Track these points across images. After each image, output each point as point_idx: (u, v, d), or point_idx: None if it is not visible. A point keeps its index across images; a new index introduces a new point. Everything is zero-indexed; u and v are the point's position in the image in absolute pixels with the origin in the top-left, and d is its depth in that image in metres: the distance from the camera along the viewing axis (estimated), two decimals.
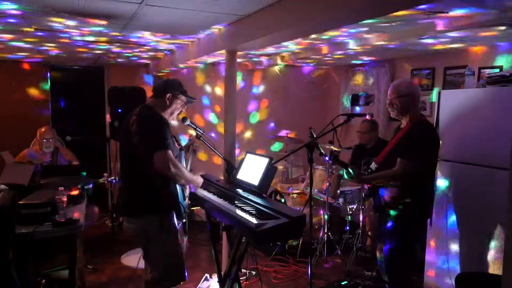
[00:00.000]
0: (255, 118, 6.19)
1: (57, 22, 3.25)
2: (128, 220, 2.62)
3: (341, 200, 4.29)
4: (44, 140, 4.25)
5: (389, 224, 2.86)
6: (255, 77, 6.16)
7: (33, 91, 5.83)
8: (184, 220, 2.69)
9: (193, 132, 3.44)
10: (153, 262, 2.56)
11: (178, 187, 2.54)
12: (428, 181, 2.89)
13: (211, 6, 2.76)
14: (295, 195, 4.71)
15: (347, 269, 4.00)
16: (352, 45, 3.93)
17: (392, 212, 2.83)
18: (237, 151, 4.07)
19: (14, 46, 4.40)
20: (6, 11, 2.88)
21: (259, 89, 6.20)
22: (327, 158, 3.97)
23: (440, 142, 2.89)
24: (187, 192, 2.70)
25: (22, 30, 3.50)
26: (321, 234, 4.37)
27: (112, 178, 4.78)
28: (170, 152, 2.39)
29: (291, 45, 4.23)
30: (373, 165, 2.93)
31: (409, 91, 2.80)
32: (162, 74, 5.89)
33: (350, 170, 2.88)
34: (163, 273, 2.52)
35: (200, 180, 2.72)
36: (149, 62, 5.95)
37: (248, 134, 6.15)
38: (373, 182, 2.99)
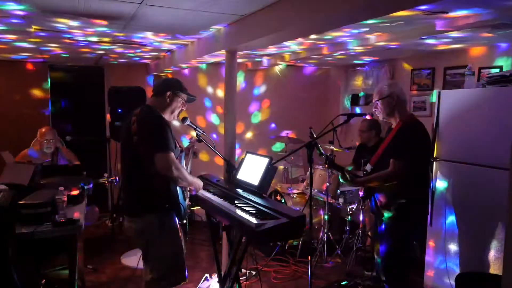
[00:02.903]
0: (256, 118, 6.19)
1: (59, 23, 3.25)
2: (129, 220, 2.60)
3: (341, 200, 4.29)
4: (45, 141, 4.24)
5: (385, 225, 2.86)
6: (256, 77, 6.16)
7: (33, 91, 5.82)
8: (184, 221, 2.69)
9: (193, 133, 3.44)
10: (153, 262, 2.55)
11: (178, 188, 2.54)
12: (422, 181, 2.89)
13: (211, 6, 2.76)
14: (295, 195, 4.71)
15: (347, 269, 4.00)
16: (353, 45, 3.93)
17: (387, 214, 2.83)
18: (238, 151, 4.05)
19: (15, 46, 4.39)
20: (10, 11, 2.88)
21: (260, 89, 6.20)
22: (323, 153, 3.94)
23: (437, 141, 2.89)
24: (187, 193, 2.70)
25: (26, 30, 3.50)
26: (321, 234, 4.37)
27: (112, 178, 4.77)
28: (172, 154, 2.39)
29: (292, 45, 4.22)
30: (368, 167, 2.93)
31: (390, 92, 2.81)
32: (162, 74, 5.89)
33: (346, 174, 2.89)
34: (163, 274, 2.52)
35: (200, 183, 2.71)
36: (149, 62, 5.95)
37: (249, 134, 6.16)
38: (368, 184, 2.99)
